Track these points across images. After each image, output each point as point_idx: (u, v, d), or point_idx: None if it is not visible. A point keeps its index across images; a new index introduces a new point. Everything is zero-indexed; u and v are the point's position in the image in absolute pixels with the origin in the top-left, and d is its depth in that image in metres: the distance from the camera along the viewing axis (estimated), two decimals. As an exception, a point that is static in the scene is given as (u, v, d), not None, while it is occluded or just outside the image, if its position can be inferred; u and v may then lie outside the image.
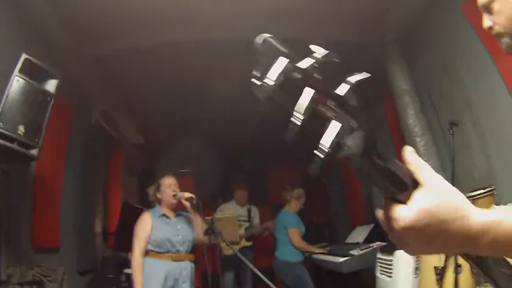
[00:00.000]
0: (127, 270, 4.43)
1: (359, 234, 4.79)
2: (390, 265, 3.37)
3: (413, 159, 0.57)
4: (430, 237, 0.54)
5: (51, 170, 3.82)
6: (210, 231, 3.00)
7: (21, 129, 2.43)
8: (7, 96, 2.36)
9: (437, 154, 3.89)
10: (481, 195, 2.78)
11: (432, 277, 2.71)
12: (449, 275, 2.60)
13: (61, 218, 3.99)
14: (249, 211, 5.77)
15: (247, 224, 5.67)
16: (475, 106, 3.15)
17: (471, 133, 3.21)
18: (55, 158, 3.93)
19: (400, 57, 4.23)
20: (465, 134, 3.21)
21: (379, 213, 0.59)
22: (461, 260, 2.56)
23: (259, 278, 6.05)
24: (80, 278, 4.19)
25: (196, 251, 3.46)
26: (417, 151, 2.17)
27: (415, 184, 0.55)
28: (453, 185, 0.57)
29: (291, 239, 4.69)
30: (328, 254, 4.64)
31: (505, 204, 2.66)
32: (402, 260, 3.23)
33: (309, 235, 5.12)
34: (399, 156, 0.58)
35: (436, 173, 0.57)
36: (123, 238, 4.83)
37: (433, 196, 0.54)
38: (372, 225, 4.75)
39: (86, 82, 4.49)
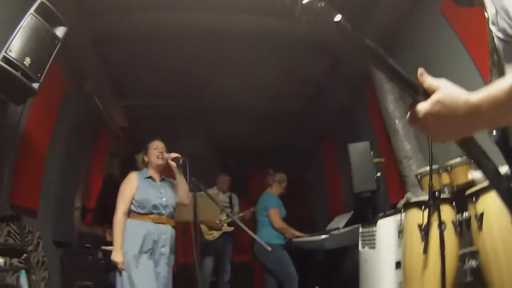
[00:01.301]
0: (104, 247, 4.37)
1: (339, 222, 4.84)
2: (372, 235, 3.41)
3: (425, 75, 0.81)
4: (444, 120, 0.77)
5: (38, 135, 3.82)
6: (195, 188, 2.99)
7: (27, 60, 2.47)
8: (20, 29, 2.43)
9: (415, 136, 4.08)
10: (458, 163, 2.93)
11: (417, 236, 2.76)
12: (434, 232, 2.70)
13: (42, 185, 3.93)
14: (230, 198, 5.81)
15: (228, 210, 5.68)
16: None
17: None
18: (43, 124, 3.93)
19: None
20: None
21: (407, 117, 0.84)
22: (444, 216, 2.69)
23: (237, 268, 6.08)
24: (54, 248, 4.08)
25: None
26: (397, 133, 3.26)
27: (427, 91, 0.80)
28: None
29: (271, 220, 4.69)
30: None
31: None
32: (385, 228, 3.30)
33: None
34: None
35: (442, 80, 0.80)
36: (103, 211, 4.79)
37: (441, 92, 0.77)
38: (351, 212, 4.86)
39: (82, 58, 4.51)
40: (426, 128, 0.81)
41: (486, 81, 2.88)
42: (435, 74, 0.81)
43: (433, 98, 0.78)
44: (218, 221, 5.45)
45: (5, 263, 2.77)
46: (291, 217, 5.14)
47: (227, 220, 5.59)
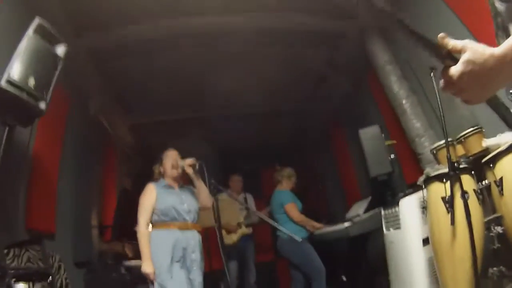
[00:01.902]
0: (126, 262, 4.35)
1: (358, 208, 4.79)
2: (396, 216, 3.39)
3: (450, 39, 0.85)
4: (477, 77, 0.81)
5: (47, 157, 3.81)
6: (216, 190, 2.98)
7: (31, 81, 2.46)
8: (19, 51, 2.41)
9: (424, 113, 4.07)
10: (471, 133, 2.98)
11: (442, 209, 2.74)
12: (458, 203, 2.67)
13: (56, 207, 3.91)
14: (245, 199, 5.75)
15: (245, 212, 5.64)
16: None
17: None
18: (51, 147, 3.93)
19: (379, 37, 4.52)
20: (447, 93, 3.36)
21: (441, 84, 0.88)
22: (465, 186, 2.66)
23: (261, 268, 6.04)
24: (76, 270, 4.05)
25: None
26: (405, 112, 3.28)
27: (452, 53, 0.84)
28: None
29: (289, 215, 4.59)
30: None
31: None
32: (408, 206, 3.27)
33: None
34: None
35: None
36: (121, 227, 4.76)
37: (469, 51, 0.81)
38: (369, 197, 4.81)
39: (83, 74, 4.51)
40: (463, 89, 0.85)
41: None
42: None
43: (464, 58, 0.81)
44: (236, 224, 5.40)
45: (28, 288, 2.72)
46: (308, 210, 5.07)
47: (246, 222, 5.56)
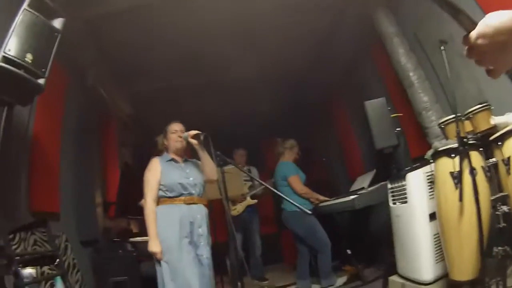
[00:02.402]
0: (132, 239, 4.36)
1: (363, 182, 4.78)
2: (403, 190, 3.35)
3: None
4: (494, 41, 0.79)
5: (47, 137, 3.73)
6: (222, 162, 2.83)
7: (29, 57, 2.38)
8: (15, 26, 2.32)
9: (431, 87, 4.00)
10: (479, 110, 2.91)
11: (450, 184, 2.71)
12: (466, 179, 2.64)
13: (60, 186, 3.85)
14: (249, 172, 5.75)
15: (249, 184, 5.64)
16: (460, 41, 3.20)
17: (459, 64, 3.27)
18: (51, 125, 3.85)
19: (385, 5, 4.39)
20: (454, 67, 3.27)
21: (464, 50, 0.86)
22: (473, 163, 2.62)
23: (267, 241, 6.08)
24: (82, 249, 4.04)
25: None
26: (412, 85, 3.19)
27: None
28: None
29: (293, 187, 4.57)
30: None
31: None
32: (415, 180, 3.23)
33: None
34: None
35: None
36: (125, 202, 4.76)
37: (487, 16, 0.79)
38: (374, 170, 4.80)
39: (79, 46, 4.38)
40: (482, 52, 0.83)
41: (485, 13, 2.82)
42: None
43: (481, 21, 0.81)
44: (241, 195, 5.40)
45: (36, 273, 2.70)
46: (311, 183, 5.05)
47: (250, 192, 5.56)
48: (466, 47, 0.86)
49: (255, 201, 5.66)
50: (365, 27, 4.61)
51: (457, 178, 2.67)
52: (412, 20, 4.08)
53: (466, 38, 0.84)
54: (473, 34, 0.82)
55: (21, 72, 2.31)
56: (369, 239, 4.98)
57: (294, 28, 4.93)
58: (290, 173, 4.65)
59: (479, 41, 0.81)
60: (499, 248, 2.45)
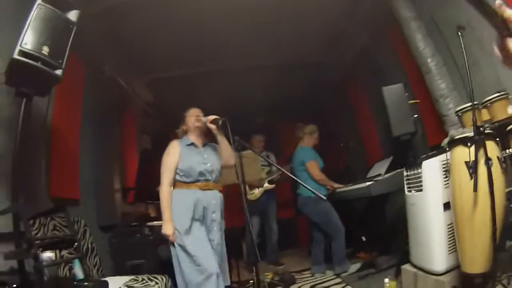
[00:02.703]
0: (149, 223, 4.45)
1: (379, 168, 4.73)
2: (419, 178, 3.31)
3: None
4: None
5: (67, 124, 3.84)
6: (240, 147, 2.83)
7: (45, 49, 2.43)
8: (30, 20, 2.37)
9: (449, 73, 3.89)
10: (497, 98, 2.85)
11: (465, 173, 2.66)
12: (481, 169, 2.60)
13: (79, 172, 3.97)
14: (267, 158, 5.79)
15: (267, 169, 5.66)
16: (478, 28, 3.11)
17: (477, 51, 3.19)
18: (71, 113, 3.95)
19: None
20: (472, 53, 3.17)
21: (497, 53, 0.85)
22: (489, 153, 2.57)
23: (283, 226, 6.13)
24: (101, 233, 4.18)
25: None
26: (430, 71, 3.08)
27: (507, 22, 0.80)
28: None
29: (309, 172, 4.59)
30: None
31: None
32: (431, 168, 3.19)
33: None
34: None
35: None
36: (143, 188, 4.85)
37: None
38: (391, 157, 4.75)
39: (94, 37, 4.44)
40: None
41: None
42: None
43: None
44: (259, 179, 5.44)
45: (55, 256, 2.80)
46: (329, 169, 5.05)
47: (268, 178, 5.59)
48: (502, 53, 0.85)
49: (273, 186, 5.69)
50: (383, 8, 4.48)
51: (472, 167, 2.63)
52: (430, 4, 3.96)
53: (503, 45, 0.83)
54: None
55: (38, 64, 2.37)
56: (384, 227, 4.96)
57: (309, 13, 4.85)
58: (308, 159, 4.66)
59: None
60: (512, 242, 2.44)
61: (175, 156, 3.10)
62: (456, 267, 2.95)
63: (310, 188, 3.17)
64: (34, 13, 2.40)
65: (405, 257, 3.58)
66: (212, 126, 3.09)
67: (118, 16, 4.34)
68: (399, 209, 3.78)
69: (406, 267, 3.51)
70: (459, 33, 2.88)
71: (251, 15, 4.68)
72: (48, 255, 2.64)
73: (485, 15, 0.81)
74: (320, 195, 2.94)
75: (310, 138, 4.85)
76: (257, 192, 5.58)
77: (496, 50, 0.85)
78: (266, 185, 5.62)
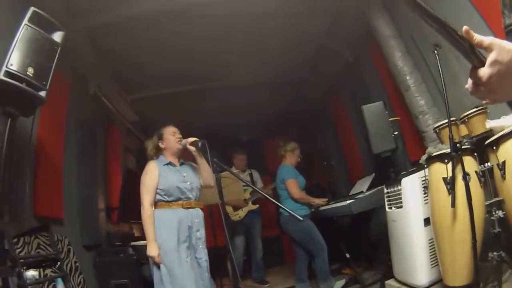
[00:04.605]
0: (133, 243, 4.42)
1: (362, 185, 4.80)
2: (398, 195, 3.39)
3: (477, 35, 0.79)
4: (505, 77, 0.77)
5: (51, 143, 3.82)
6: (218, 168, 2.84)
7: (30, 70, 2.46)
8: (16, 41, 2.41)
9: (428, 90, 4.02)
10: (475, 113, 2.96)
11: (443, 189, 2.74)
12: (459, 184, 2.67)
13: (63, 191, 3.93)
14: (251, 176, 5.80)
15: (250, 189, 5.68)
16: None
17: (457, 66, 3.30)
18: (55, 132, 3.94)
19: (382, 7, 4.41)
20: (451, 69, 3.30)
21: (470, 89, 0.85)
22: (467, 168, 2.65)
23: (269, 243, 6.11)
24: (85, 252, 4.12)
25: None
26: (409, 89, 3.13)
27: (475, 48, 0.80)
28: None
29: (289, 191, 4.58)
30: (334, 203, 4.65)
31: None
32: (410, 185, 3.26)
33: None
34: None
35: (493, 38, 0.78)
36: (127, 207, 4.83)
37: (496, 51, 0.77)
38: (373, 174, 4.82)
39: (80, 55, 4.48)
40: (492, 91, 0.82)
41: (484, 19, 2.84)
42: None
43: (491, 59, 0.78)
44: (242, 200, 5.47)
45: (39, 275, 2.79)
46: (313, 186, 5.10)
47: (251, 198, 5.62)
48: (471, 83, 0.85)
49: (257, 206, 5.71)
50: (364, 26, 4.61)
51: (450, 183, 2.70)
52: (409, 22, 4.09)
53: (473, 74, 0.82)
54: (484, 74, 0.80)
55: (23, 85, 2.40)
56: (368, 242, 5.01)
57: (292, 32, 4.98)
58: (288, 177, 4.66)
59: (492, 81, 0.80)
60: (495, 253, 2.47)
61: (154, 176, 3.09)
62: (439, 281, 3.00)
63: (286, 208, 3.21)
64: (20, 34, 2.44)
65: (389, 272, 3.62)
66: (192, 148, 3.13)
67: (105, 34, 4.39)
68: (383, 225, 3.84)
69: (390, 282, 3.55)
70: (435, 51, 2.99)
71: (237, 36, 4.78)
72: (31, 273, 2.63)
73: (450, 39, 0.81)
74: (296, 214, 2.92)
75: (292, 156, 4.85)
76: (241, 212, 5.59)
77: (469, 83, 0.86)
78: (250, 205, 5.64)
